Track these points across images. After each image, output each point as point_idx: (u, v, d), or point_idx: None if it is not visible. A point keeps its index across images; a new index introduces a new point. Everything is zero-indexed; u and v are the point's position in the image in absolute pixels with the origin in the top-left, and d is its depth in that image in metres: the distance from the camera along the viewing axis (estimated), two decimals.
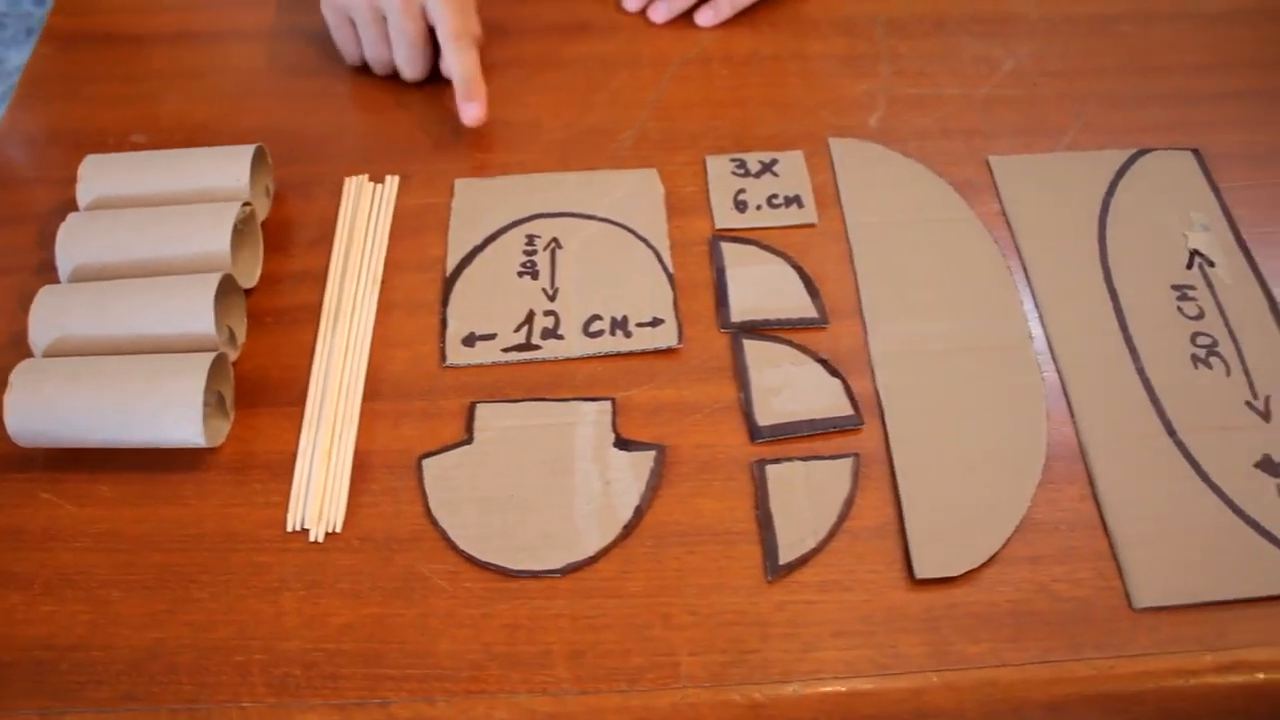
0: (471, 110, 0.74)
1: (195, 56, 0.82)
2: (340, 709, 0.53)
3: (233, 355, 0.64)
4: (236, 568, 0.58)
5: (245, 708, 0.53)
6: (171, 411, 0.58)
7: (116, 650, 0.55)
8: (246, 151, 0.69)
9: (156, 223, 0.65)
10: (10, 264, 0.70)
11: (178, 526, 0.59)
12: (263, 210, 0.71)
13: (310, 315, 0.67)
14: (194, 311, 0.61)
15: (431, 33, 0.75)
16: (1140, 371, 0.65)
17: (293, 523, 0.59)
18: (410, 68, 0.76)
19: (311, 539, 0.58)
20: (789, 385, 0.63)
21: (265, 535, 0.59)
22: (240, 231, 0.67)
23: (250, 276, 0.68)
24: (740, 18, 0.84)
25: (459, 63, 0.73)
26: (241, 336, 0.66)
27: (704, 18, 0.83)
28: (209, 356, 0.59)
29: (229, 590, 0.57)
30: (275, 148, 0.74)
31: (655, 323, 0.66)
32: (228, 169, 0.68)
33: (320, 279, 0.69)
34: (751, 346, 0.65)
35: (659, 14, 0.83)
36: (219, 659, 0.55)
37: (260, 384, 0.64)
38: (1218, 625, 0.56)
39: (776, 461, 0.61)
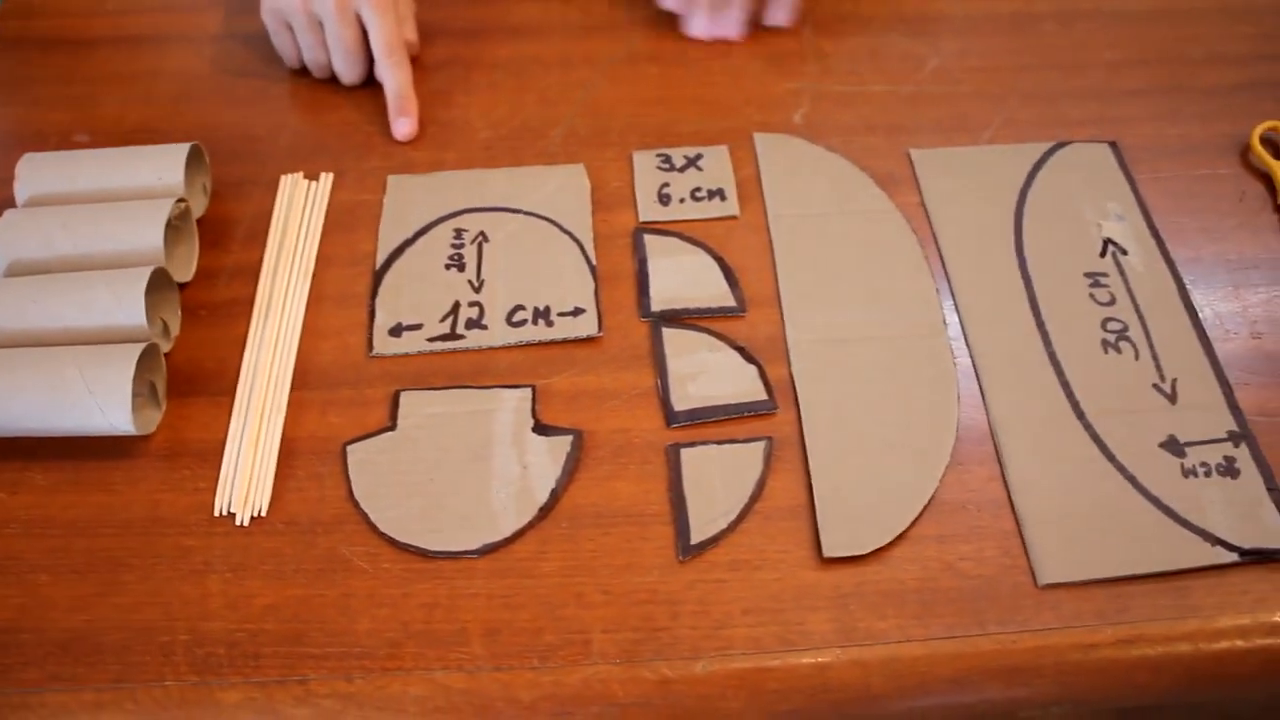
0: (403, 126, 0.77)
1: (138, 59, 0.84)
2: (261, 687, 0.55)
3: (166, 347, 0.66)
4: (164, 551, 0.59)
5: (168, 686, 0.54)
6: (101, 399, 0.59)
7: (45, 633, 0.56)
8: (181, 150, 0.71)
9: (91, 219, 0.67)
10: None
11: (108, 512, 0.61)
12: (200, 207, 0.73)
13: (243, 308, 0.69)
14: (125, 304, 0.63)
15: (367, 39, 0.77)
16: (1051, 356, 0.66)
17: (219, 507, 0.60)
18: (347, 73, 0.79)
19: (237, 523, 0.60)
20: (705, 371, 0.65)
21: (193, 520, 0.60)
22: (176, 228, 0.69)
23: (186, 271, 0.70)
24: (670, 18, 0.86)
25: (391, 78, 0.76)
26: (175, 329, 0.67)
27: (777, 18, 0.84)
28: (139, 346, 0.61)
29: (156, 573, 0.58)
30: (214, 147, 0.75)
31: (576, 312, 0.67)
32: (163, 167, 0.70)
33: (254, 273, 0.70)
34: (670, 334, 0.67)
35: (698, 28, 0.84)
36: (144, 640, 0.56)
37: (193, 374, 0.66)
38: (1120, 601, 0.57)
39: (691, 445, 0.62)
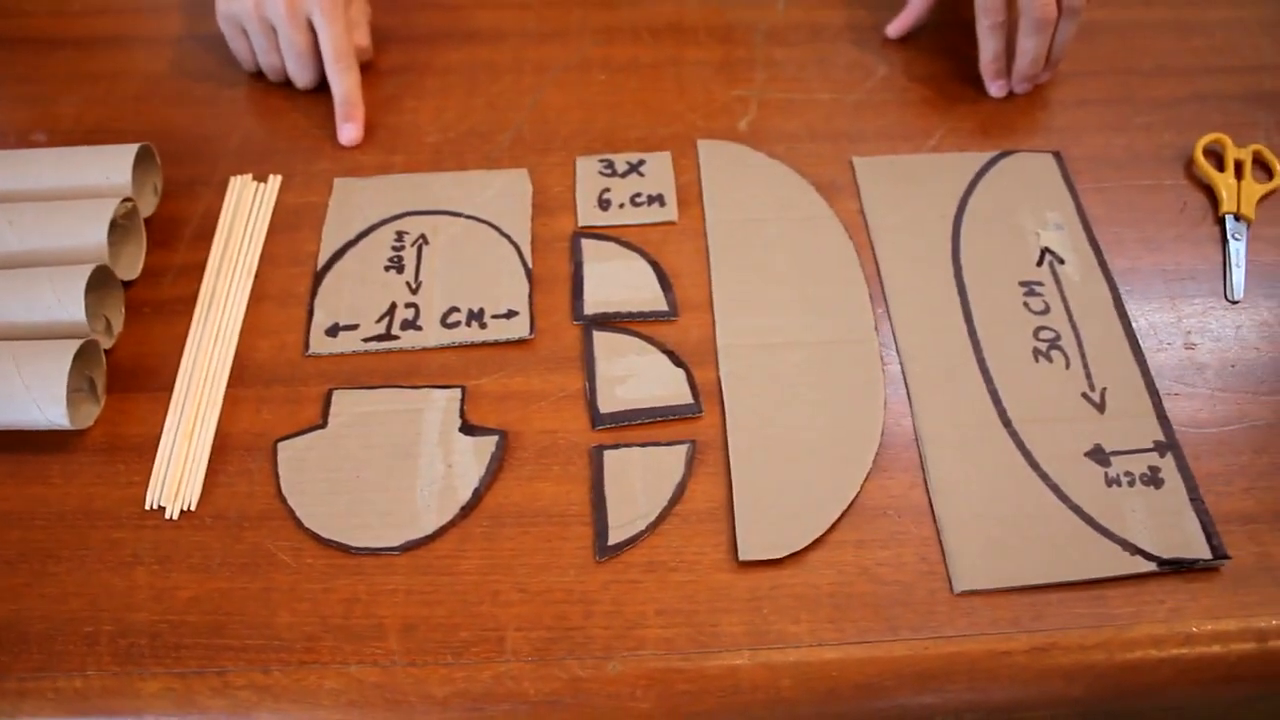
0: (348, 131, 0.79)
1: (98, 61, 0.85)
2: (181, 678, 0.55)
3: (108, 343, 0.67)
4: (94, 544, 0.60)
5: (89, 676, 0.55)
6: (37, 394, 0.61)
7: None
8: (130, 151, 0.72)
9: (37, 217, 0.68)
10: None
11: (42, 505, 0.62)
12: (149, 207, 0.74)
13: (187, 306, 0.70)
14: (66, 301, 0.64)
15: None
16: (981, 364, 0.66)
17: (150, 501, 0.61)
18: (300, 77, 0.80)
19: (167, 516, 0.61)
20: (633, 374, 0.66)
21: (124, 513, 0.61)
22: (123, 227, 0.70)
23: (132, 269, 0.71)
24: (623, 26, 0.87)
25: (339, 84, 0.78)
26: (118, 326, 0.68)
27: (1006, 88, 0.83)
28: (76, 343, 0.62)
29: (85, 565, 0.59)
30: (167, 148, 0.76)
31: (510, 315, 0.68)
32: (111, 167, 0.71)
33: (199, 272, 0.71)
34: (600, 338, 0.67)
35: (997, 89, 0.83)
36: (69, 630, 0.57)
37: (133, 370, 0.67)
38: (1036, 608, 0.57)
39: (615, 447, 0.63)
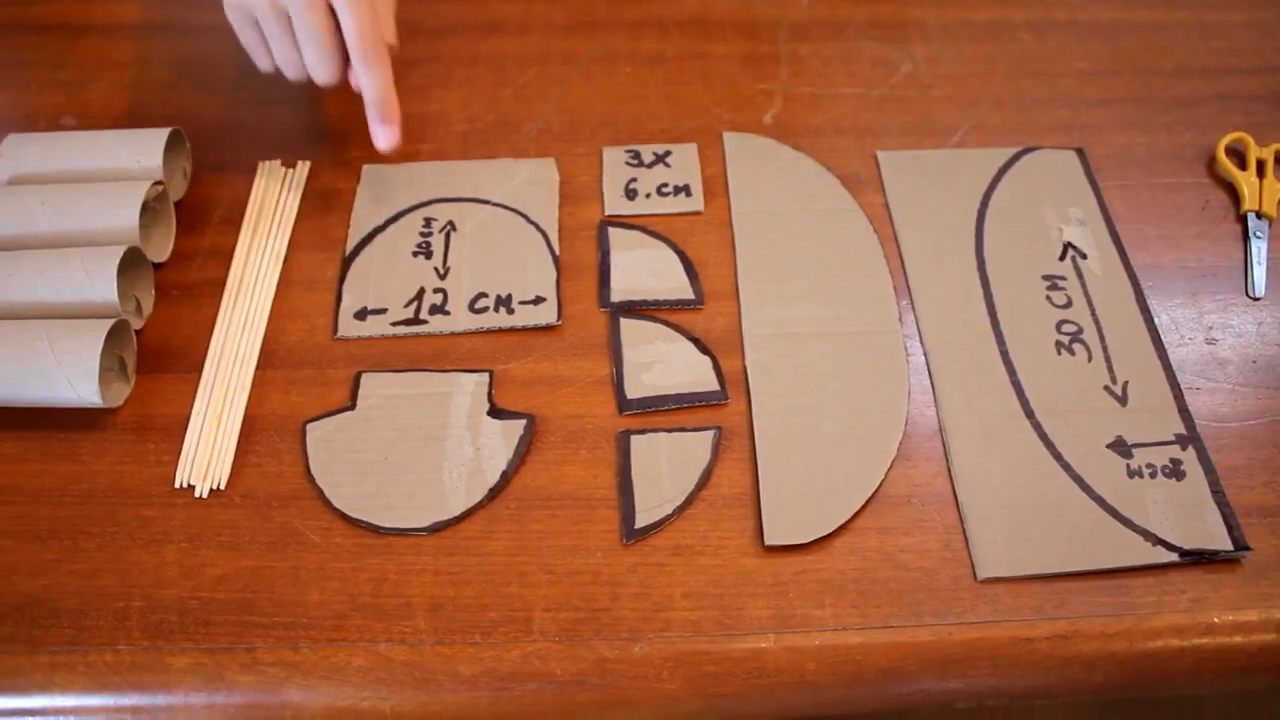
0: (384, 135, 0.71)
1: (126, 47, 0.86)
2: (210, 653, 0.56)
3: (138, 324, 0.67)
4: (124, 521, 0.61)
5: (119, 650, 0.56)
6: (70, 372, 0.61)
7: (3, 596, 0.58)
8: (161, 134, 0.72)
9: (70, 199, 0.68)
10: None
11: (73, 482, 0.62)
12: (179, 190, 0.75)
13: (215, 289, 0.70)
14: (98, 281, 0.64)
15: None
16: (1004, 356, 0.67)
17: (180, 480, 0.62)
18: (321, 71, 0.70)
19: (196, 495, 0.61)
20: (660, 361, 0.66)
21: (154, 491, 0.62)
22: (153, 209, 0.71)
23: (162, 252, 0.71)
24: (649, 20, 0.87)
25: (370, 80, 0.69)
26: (148, 307, 0.69)
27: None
28: (109, 322, 0.62)
29: (115, 542, 0.60)
30: (197, 133, 0.77)
31: (537, 301, 0.69)
32: (142, 150, 0.72)
33: (228, 256, 0.72)
34: (627, 325, 0.68)
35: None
36: (100, 605, 0.58)
37: (162, 351, 0.67)
38: (1058, 596, 0.58)
39: (641, 433, 0.63)
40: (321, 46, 0.69)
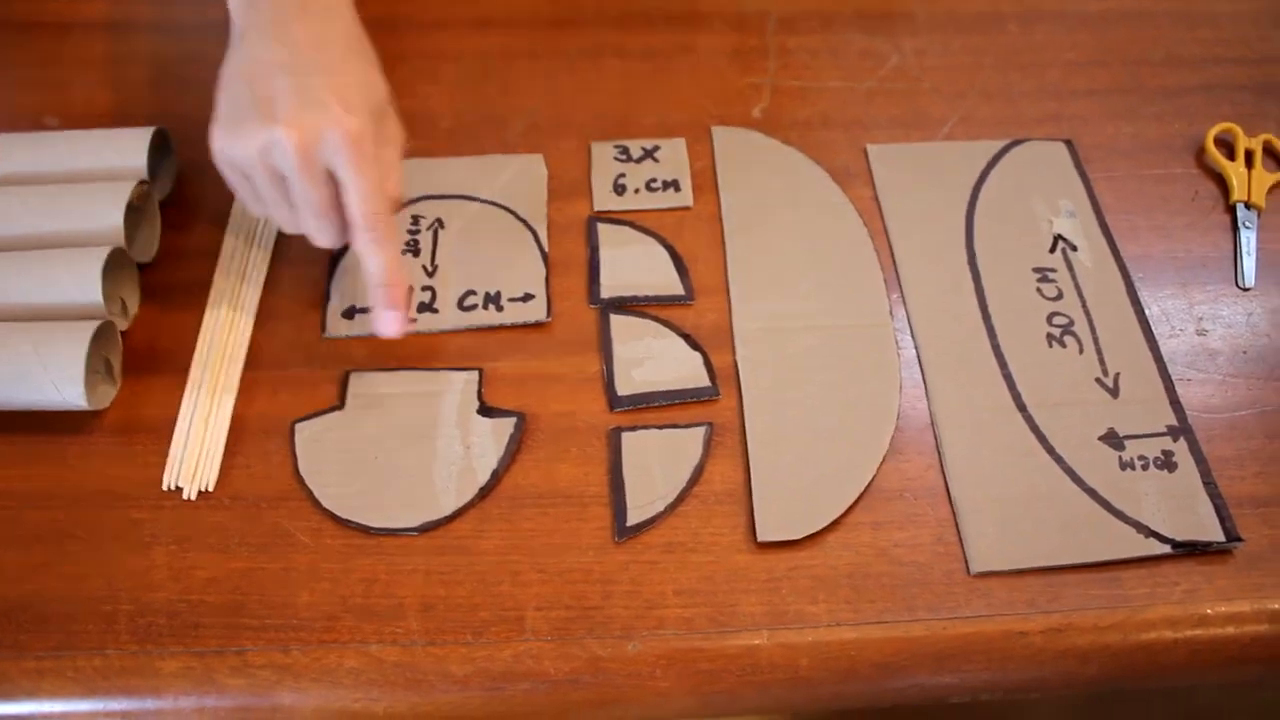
0: (392, 321, 0.63)
1: (109, 46, 0.85)
2: (200, 657, 0.56)
3: (123, 325, 0.67)
4: (112, 524, 0.60)
5: (108, 655, 0.56)
6: (55, 375, 0.61)
7: None
8: (145, 134, 0.72)
9: (53, 199, 0.68)
10: None
11: (60, 485, 0.62)
12: (164, 190, 0.74)
13: (202, 289, 0.70)
14: (82, 282, 0.64)
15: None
16: (995, 349, 0.67)
17: (168, 482, 0.61)
18: (320, 238, 0.63)
19: (185, 497, 0.61)
20: (650, 358, 0.66)
21: (142, 494, 0.61)
22: (138, 209, 0.70)
23: (147, 252, 0.71)
24: (636, 14, 0.87)
25: (374, 261, 0.61)
26: (134, 308, 0.68)
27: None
28: (94, 324, 0.62)
29: (102, 545, 0.59)
30: (183, 132, 0.76)
31: (526, 298, 0.68)
32: (126, 150, 0.71)
33: (215, 256, 0.71)
34: (617, 321, 0.68)
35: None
36: (88, 609, 0.57)
37: (149, 352, 0.67)
38: (1051, 589, 0.58)
39: (632, 429, 0.63)
40: (321, 216, 0.61)
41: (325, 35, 0.62)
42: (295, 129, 0.58)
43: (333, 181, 0.60)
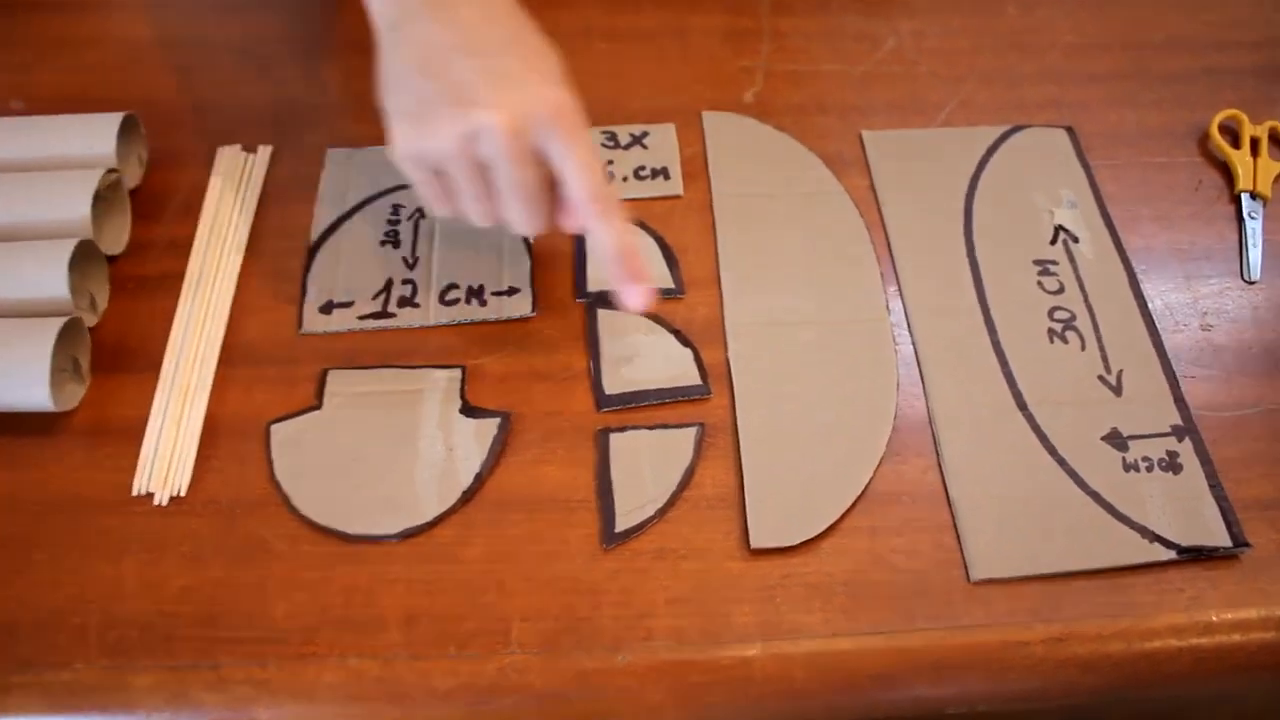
0: (637, 296, 0.58)
1: (78, 26, 0.82)
2: (173, 671, 0.53)
3: (92, 321, 0.64)
4: (80, 531, 0.58)
5: (78, 670, 0.53)
6: (19, 375, 0.58)
7: None
8: (114, 119, 0.69)
9: (18, 189, 0.65)
10: None
11: (25, 490, 0.59)
12: (135, 178, 0.71)
13: (174, 282, 0.67)
14: (48, 276, 0.61)
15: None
16: (996, 345, 0.65)
17: (139, 487, 0.59)
18: (528, 227, 0.58)
19: (156, 503, 0.59)
20: (639, 354, 0.64)
21: (111, 499, 0.59)
22: (107, 199, 0.68)
23: (117, 243, 0.68)
24: None
25: (605, 232, 0.57)
26: (103, 303, 0.66)
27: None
28: (59, 321, 0.60)
29: (70, 554, 0.57)
30: (153, 116, 0.74)
31: (511, 292, 0.66)
32: (94, 137, 0.69)
33: (187, 247, 0.69)
34: (605, 316, 0.65)
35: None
36: (56, 622, 0.55)
37: (119, 349, 0.64)
38: (1053, 597, 0.56)
39: (621, 430, 0.61)
40: (531, 200, 0.57)
41: (491, 11, 0.58)
42: (499, 111, 0.53)
43: (541, 164, 0.56)
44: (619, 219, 0.57)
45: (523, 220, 0.57)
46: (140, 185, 0.72)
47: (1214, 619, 0.56)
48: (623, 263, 0.57)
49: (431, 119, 0.55)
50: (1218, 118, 0.75)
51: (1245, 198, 0.72)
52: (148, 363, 0.64)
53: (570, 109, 0.55)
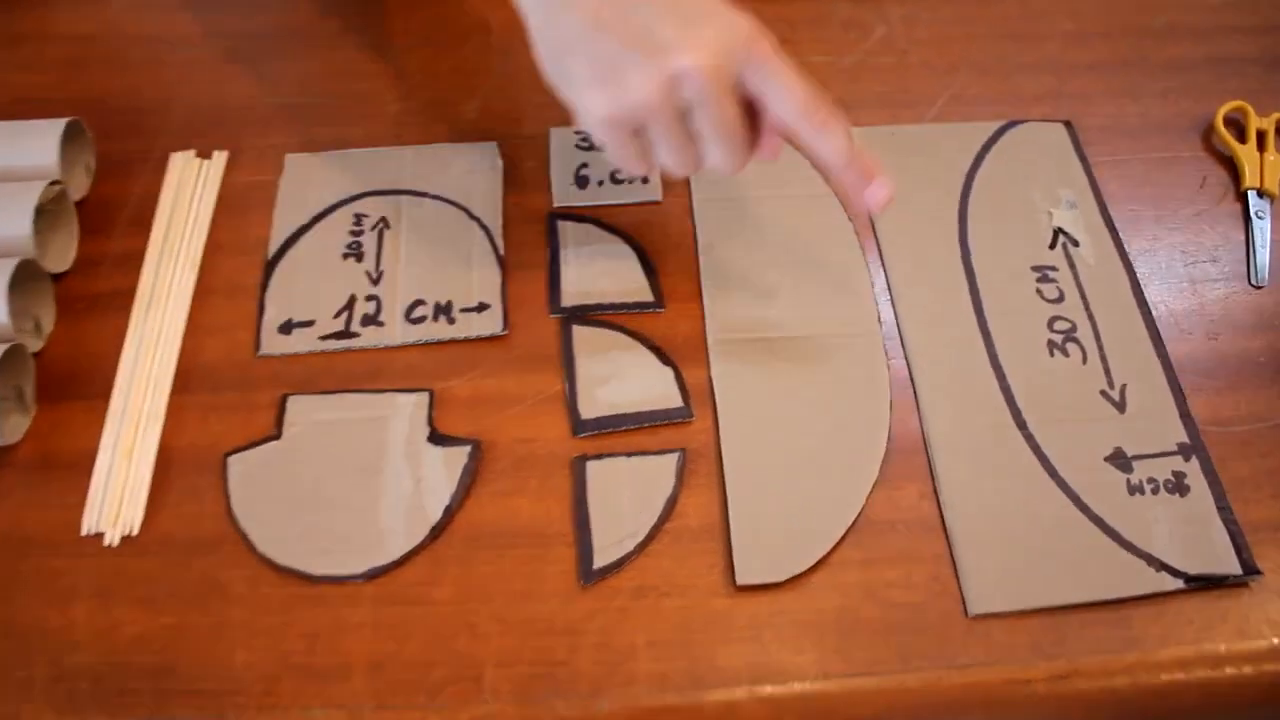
0: (879, 190, 0.55)
1: (19, 21, 0.78)
2: None
3: (36, 346, 0.61)
4: (25, 575, 0.55)
5: None
6: None
7: None
8: (57, 126, 0.65)
9: None
10: None
11: None
12: (81, 189, 0.68)
13: (125, 301, 0.64)
14: None
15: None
16: (993, 359, 0.62)
17: (88, 526, 0.56)
18: (732, 165, 0.55)
19: (107, 543, 0.56)
20: (617, 375, 0.61)
21: (59, 539, 0.56)
22: (51, 212, 0.64)
23: (62, 260, 0.65)
24: None
25: (829, 143, 0.54)
26: (48, 326, 0.62)
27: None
28: (1, 347, 0.56)
29: (15, 599, 0.54)
30: (101, 120, 0.70)
31: (481, 308, 0.63)
32: (36, 145, 0.65)
33: (138, 262, 0.65)
34: (580, 333, 0.62)
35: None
36: (0, 674, 0.52)
37: (67, 376, 0.61)
38: (1055, 631, 0.53)
39: (599, 458, 0.58)
40: (733, 137, 0.54)
41: None
42: (696, 51, 0.50)
43: (739, 98, 0.53)
44: (839, 123, 0.53)
45: (727, 160, 0.54)
46: (87, 196, 0.68)
47: (1224, 651, 0.53)
48: (857, 168, 0.54)
49: (623, 76, 0.51)
50: (1223, 110, 0.72)
51: (1252, 195, 0.69)
52: (97, 389, 0.61)
53: (760, 31, 0.52)
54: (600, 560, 0.55)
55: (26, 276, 0.60)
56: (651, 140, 0.54)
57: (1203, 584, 0.55)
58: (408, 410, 0.59)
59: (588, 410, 0.59)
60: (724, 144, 0.54)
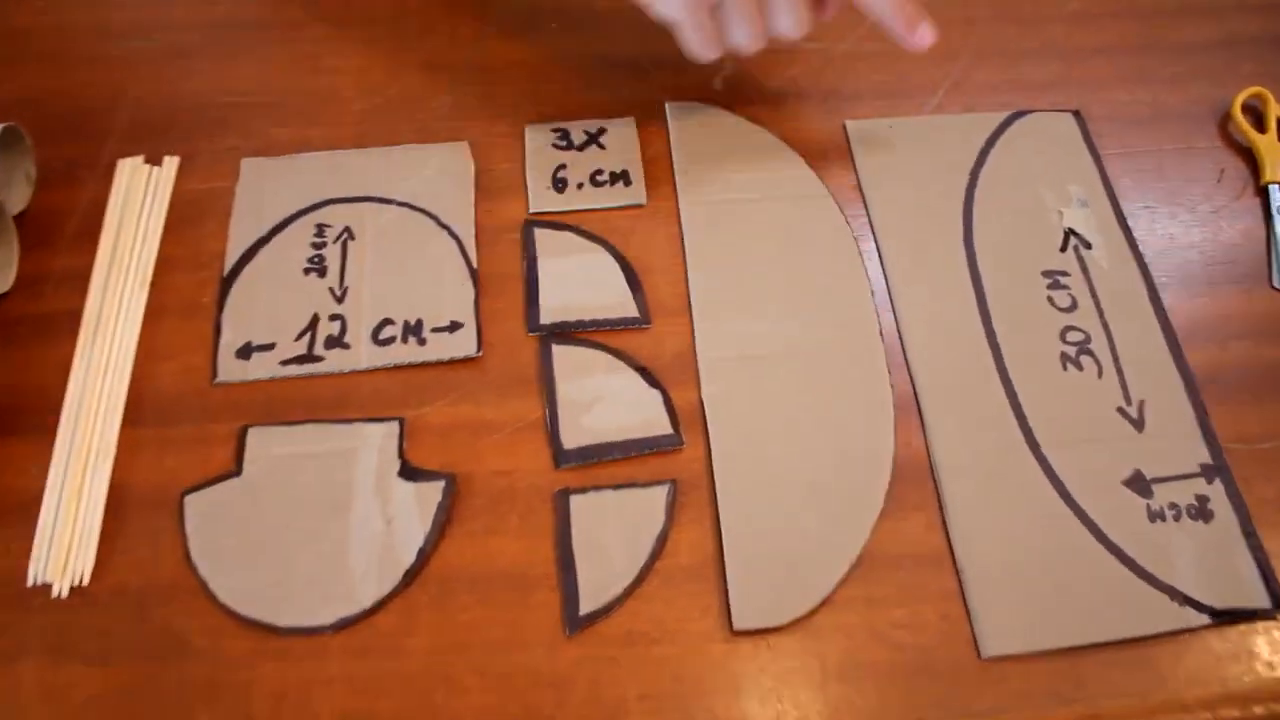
0: (924, 33, 0.61)
1: None
2: None
3: None
4: None
5: None
6: None
7: None
8: None
9: None
10: None
11: None
12: (21, 200, 0.63)
13: (71, 323, 0.60)
14: None
15: None
16: (1003, 374, 0.58)
17: (34, 576, 0.52)
18: (798, 28, 0.59)
19: (55, 594, 0.52)
20: (601, 399, 0.56)
21: (2, 592, 0.52)
22: None
23: (2, 280, 0.60)
24: None
25: None
26: None
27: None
28: None
29: None
30: (42, 123, 0.65)
31: (453, 327, 0.58)
32: None
33: (85, 280, 0.61)
34: (561, 353, 0.58)
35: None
36: None
37: (9, 408, 0.57)
38: (1074, 673, 0.50)
39: (583, 491, 0.54)
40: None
41: None
42: None
43: None
44: None
45: (795, 22, 0.58)
46: (29, 208, 0.64)
47: (1252, 690, 0.50)
48: (905, 10, 0.59)
49: None
50: (1240, 97, 0.68)
51: (1274, 190, 0.65)
52: (42, 422, 0.56)
53: None
54: (586, 605, 0.51)
55: None
56: (725, 15, 0.57)
57: (1229, 619, 0.51)
58: (376, 441, 0.55)
59: (570, 439, 0.55)
60: (790, 5, 0.57)
